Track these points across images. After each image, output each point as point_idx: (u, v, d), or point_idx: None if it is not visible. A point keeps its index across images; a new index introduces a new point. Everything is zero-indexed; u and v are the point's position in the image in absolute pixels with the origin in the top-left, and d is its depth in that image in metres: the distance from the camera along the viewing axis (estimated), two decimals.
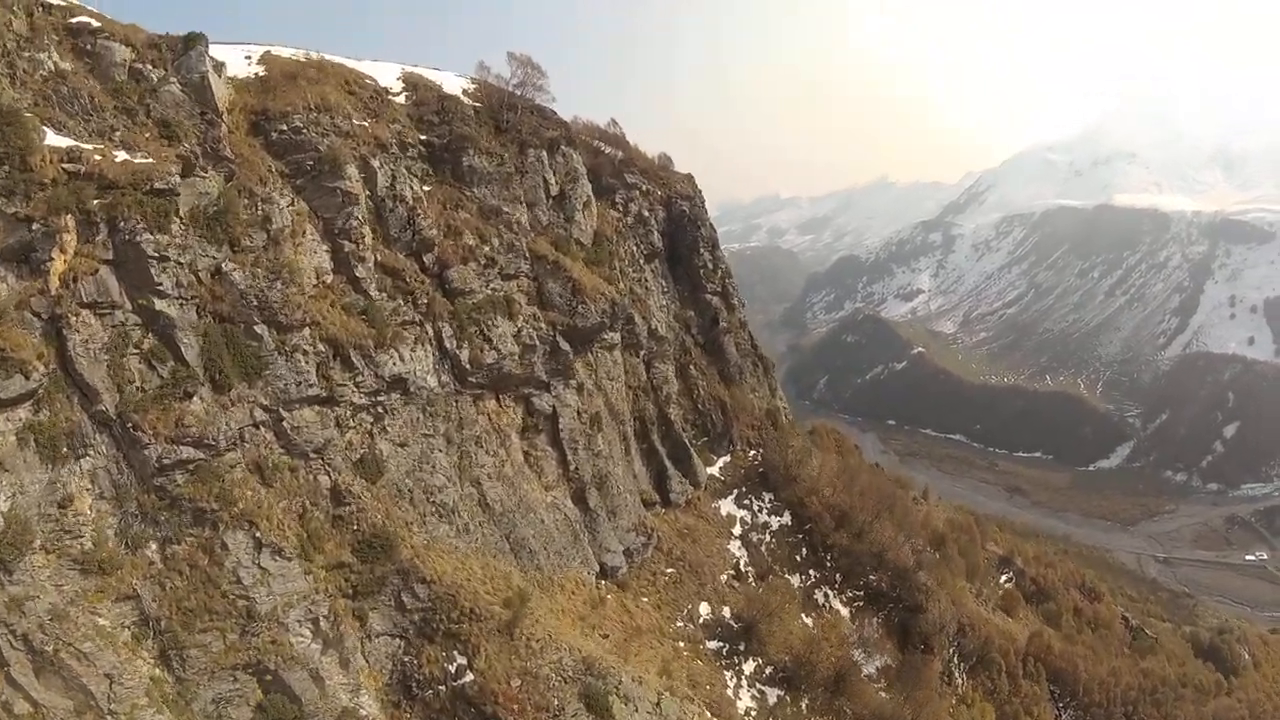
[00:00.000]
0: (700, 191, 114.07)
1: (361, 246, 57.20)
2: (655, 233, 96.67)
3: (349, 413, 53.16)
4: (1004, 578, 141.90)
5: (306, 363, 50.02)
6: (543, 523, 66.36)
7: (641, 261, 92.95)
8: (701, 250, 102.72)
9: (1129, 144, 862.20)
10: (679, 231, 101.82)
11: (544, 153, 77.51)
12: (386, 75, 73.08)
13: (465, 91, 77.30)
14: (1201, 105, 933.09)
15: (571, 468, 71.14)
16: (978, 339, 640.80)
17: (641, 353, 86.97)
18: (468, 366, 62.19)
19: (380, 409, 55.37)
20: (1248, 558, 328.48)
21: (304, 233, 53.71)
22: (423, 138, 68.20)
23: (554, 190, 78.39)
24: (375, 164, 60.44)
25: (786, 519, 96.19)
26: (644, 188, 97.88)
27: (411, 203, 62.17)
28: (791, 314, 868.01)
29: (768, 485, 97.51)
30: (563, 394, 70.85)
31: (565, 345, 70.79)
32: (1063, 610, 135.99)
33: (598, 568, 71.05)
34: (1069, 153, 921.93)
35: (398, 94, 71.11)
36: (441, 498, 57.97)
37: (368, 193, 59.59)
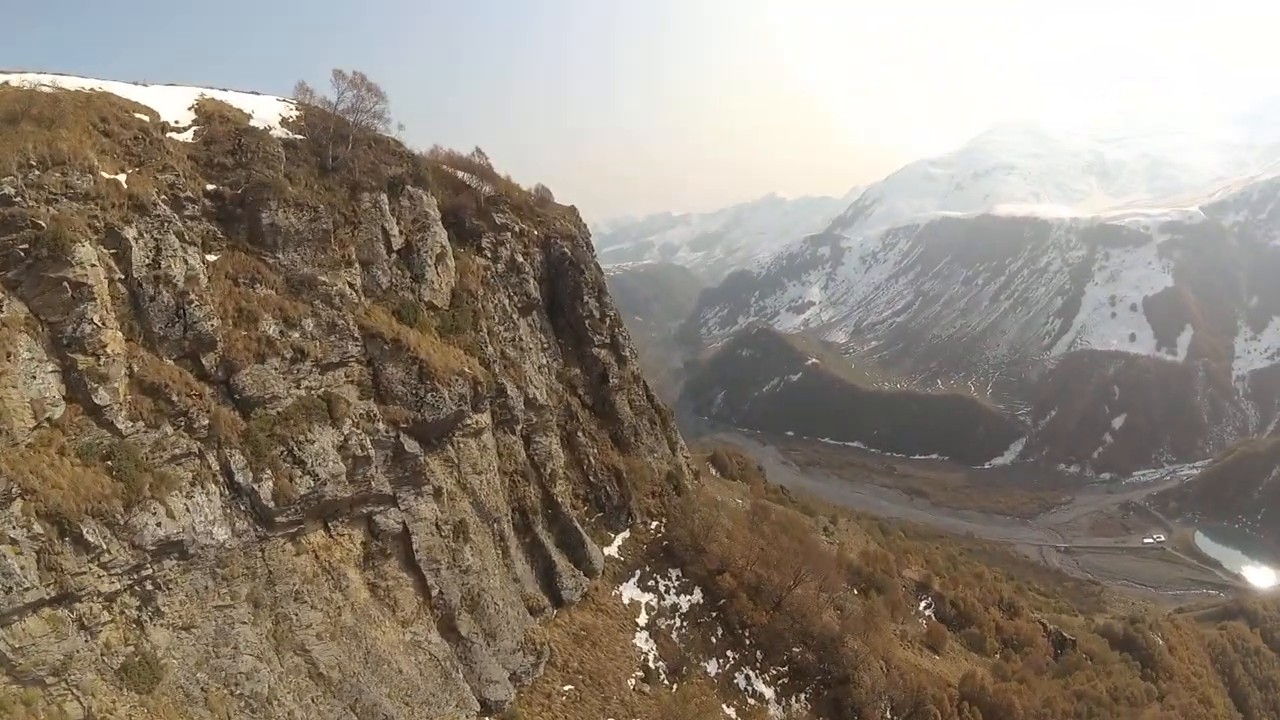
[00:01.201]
0: (584, 228, 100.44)
1: (104, 360, 39.63)
2: (531, 280, 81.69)
3: (99, 606, 36.23)
4: (923, 604, 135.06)
5: (16, 557, 32.67)
6: (401, 672, 50.20)
7: (515, 316, 77.58)
8: (586, 297, 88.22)
9: (1008, 157, 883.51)
10: (559, 277, 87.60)
11: (383, 196, 61.53)
12: (173, 104, 56.19)
13: (285, 121, 61.31)
14: (1076, 118, 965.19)
15: (435, 593, 55.27)
16: (869, 348, 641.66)
17: (518, 428, 71.77)
18: (271, 504, 45.20)
19: (148, 587, 38.71)
20: (1146, 540, 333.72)
21: (14, 351, 36.24)
22: (209, 188, 51.28)
23: (397, 243, 62.35)
24: (130, 234, 43.41)
25: (697, 596, 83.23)
26: (517, 228, 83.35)
27: (182, 284, 45.01)
28: (687, 330, 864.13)
29: (674, 560, 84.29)
30: (415, 505, 54.74)
31: (413, 446, 54.99)
32: (986, 634, 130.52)
33: (479, 706, 55.28)
34: (950, 167, 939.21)
35: (183, 129, 54.23)
36: (252, 686, 41.74)
37: (121, 276, 42.92)
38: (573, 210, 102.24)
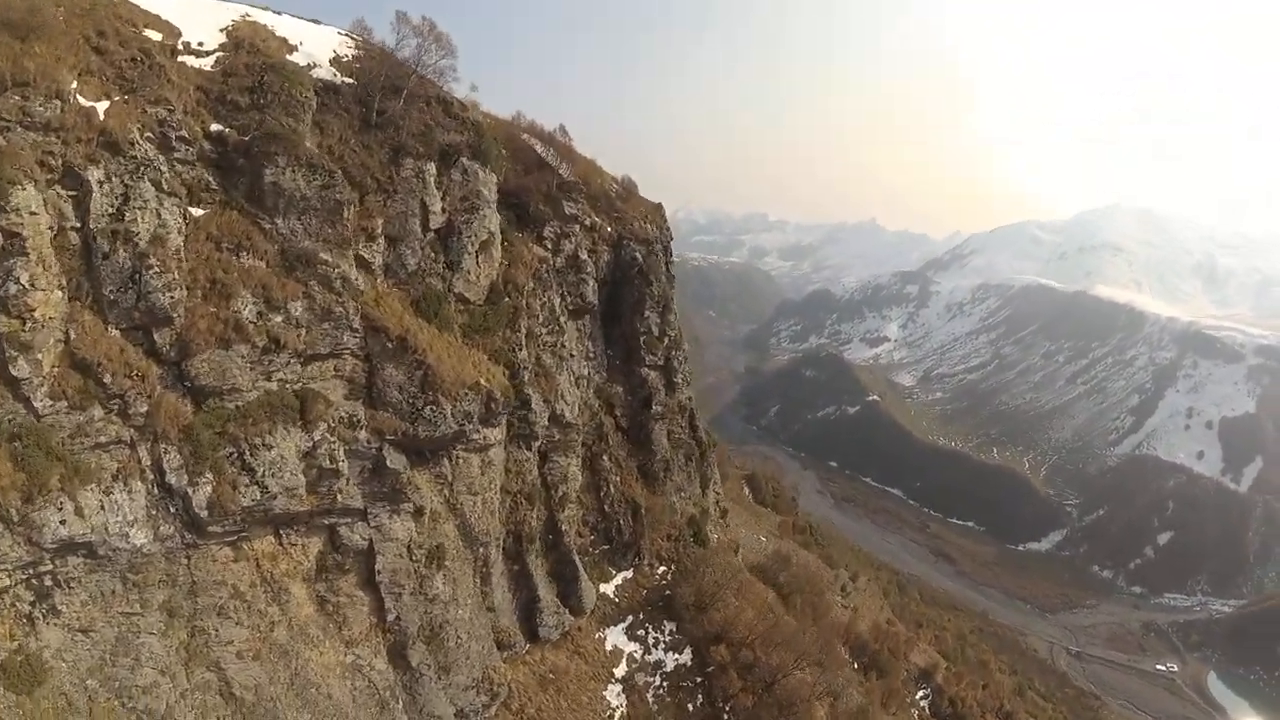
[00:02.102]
0: (667, 230, 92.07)
1: (30, 325, 32.46)
2: (591, 282, 73.37)
3: None
4: (921, 694, 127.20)
5: None
6: (330, 698, 42.69)
7: (564, 318, 69.27)
8: (648, 311, 79.60)
9: (1117, 238, 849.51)
10: (624, 283, 79.19)
11: (430, 165, 53.27)
12: (205, 21, 48.44)
13: (337, 60, 53.63)
14: (1192, 213, 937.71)
15: (391, 617, 47.64)
16: (933, 397, 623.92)
17: (536, 444, 63.70)
18: (204, 513, 37.75)
19: (46, 582, 32.65)
20: (1159, 667, 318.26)
21: None
22: (214, 129, 43.42)
23: (436, 221, 54.06)
24: (94, 176, 35.72)
25: (686, 657, 74.87)
26: (589, 221, 74.94)
27: (145, 244, 37.08)
28: (757, 336, 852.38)
29: (672, 613, 75.73)
30: (387, 524, 46.87)
31: (397, 461, 47.21)
32: None
33: None
34: (1057, 234, 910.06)
35: (205, 53, 46.44)
36: (148, 700, 35.40)
37: (76, 225, 35.66)
38: (658, 210, 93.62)
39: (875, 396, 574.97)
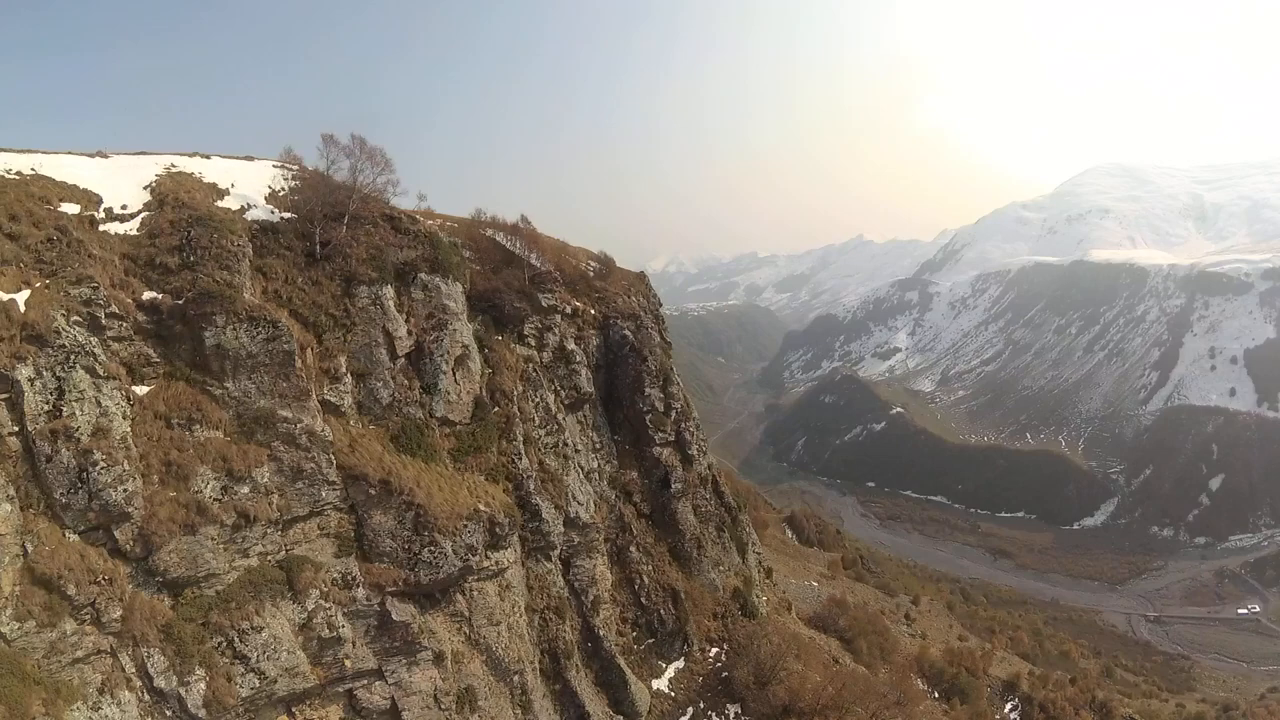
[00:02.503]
0: (654, 298, 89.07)
1: None
2: (583, 371, 69.90)
3: None
4: (1010, 707, 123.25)
5: None
6: None
7: (562, 415, 65.91)
8: (648, 389, 75.75)
9: (1102, 200, 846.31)
10: (618, 364, 75.66)
11: (386, 289, 50.44)
12: (129, 181, 45.98)
13: (273, 195, 51.08)
14: (1171, 158, 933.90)
15: None
16: (956, 397, 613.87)
17: (555, 553, 59.95)
18: (202, 713, 34.27)
19: None
20: (1240, 611, 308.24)
21: None
22: (146, 297, 40.55)
23: (404, 346, 50.91)
24: (23, 374, 32.95)
25: None
26: (569, 309, 71.69)
27: (86, 438, 33.98)
28: (769, 373, 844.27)
29: (732, 695, 70.67)
30: (406, 678, 42.98)
31: (404, 613, 43.49)
32: None
33: None
34: (1042, 210, 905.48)
35: (128, 216, 43.75)
36: None
37: (12, 430, 32.61)
38: (640, 279, 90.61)
39: (899, 409, 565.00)
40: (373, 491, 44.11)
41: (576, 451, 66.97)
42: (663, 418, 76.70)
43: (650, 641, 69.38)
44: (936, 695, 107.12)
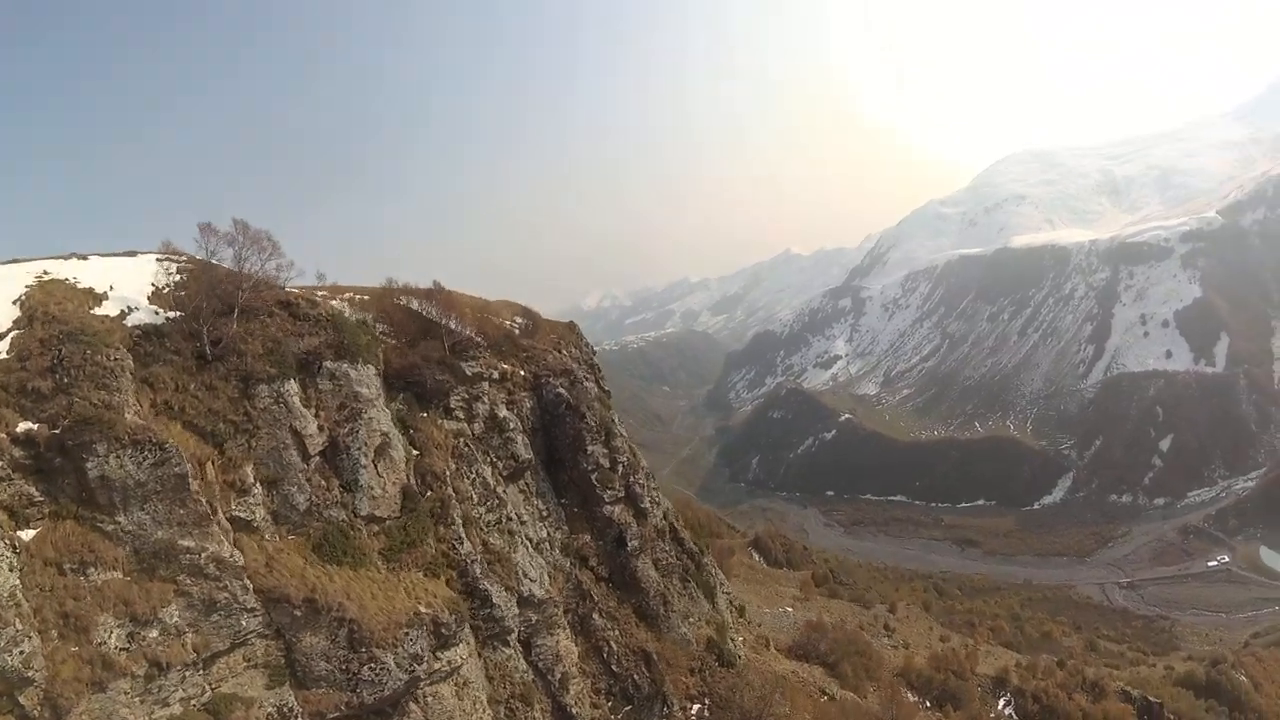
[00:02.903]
0: (586, 348, 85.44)
1: None
2: (520, 437, 65.77)
3: None
4: (1003, 703, 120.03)
5: None
6: None
7: (501, 488, 61.56)
8: (590, 446, 71.26)
9: (1017, 187, 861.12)
10: (556, 424, 71.45)
11: (289, 384, 46.11)
12: None
13: (158, 293, 46.62)
14: (1081, 138, 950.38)
15: None
16: (901, 396, 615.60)
17: (513, 636, 55.70)
18: None
19: None
20: (1210, 564, 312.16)
21: None
22: (21, 429, 35.96)
23: (316, 444, 46.53)
24: None
25: None
26: (496, 374, 67.39)
27: None
28: (715, 395, 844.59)
29: None
30: None
31: None
32: None
33: None
34: (960, 204, 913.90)
35: None
36: None
37: None
38: (570, 330, 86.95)
39: (847, 415, 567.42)
40: (298, 613, 39.80)
41: (523, 524, 62.97)
42: (609, 474, 72.72)
43: (628, 709, 65.02)
44: (928, 704, 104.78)
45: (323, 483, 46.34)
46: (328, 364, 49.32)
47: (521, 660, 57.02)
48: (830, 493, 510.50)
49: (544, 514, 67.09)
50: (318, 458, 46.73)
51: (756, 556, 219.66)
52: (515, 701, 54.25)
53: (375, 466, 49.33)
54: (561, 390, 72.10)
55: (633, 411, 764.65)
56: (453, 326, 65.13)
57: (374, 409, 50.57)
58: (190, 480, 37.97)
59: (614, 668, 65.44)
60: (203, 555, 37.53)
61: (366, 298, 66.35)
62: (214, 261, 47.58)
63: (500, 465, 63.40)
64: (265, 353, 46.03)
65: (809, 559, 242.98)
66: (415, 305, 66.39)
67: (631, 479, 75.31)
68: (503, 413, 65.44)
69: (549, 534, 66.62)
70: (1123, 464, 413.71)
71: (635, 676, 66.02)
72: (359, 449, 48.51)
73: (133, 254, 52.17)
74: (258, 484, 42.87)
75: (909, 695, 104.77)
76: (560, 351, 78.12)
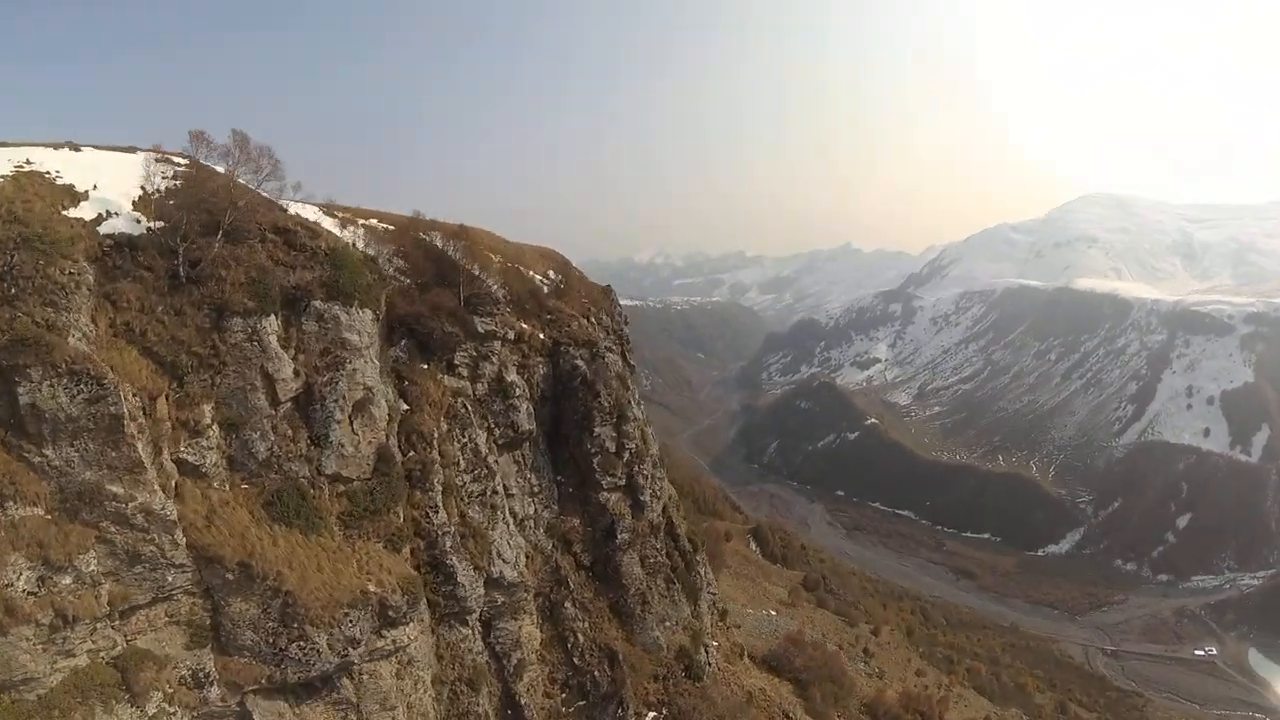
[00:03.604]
0: (618, 316, 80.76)
1: None
2: (524, 406, 61.14)
3: None
4: None
5: None
6: None
7: (493, 457, 57.32)
8: (598, 428, 66.68)
9: (1091, 229, 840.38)
10: (567, 396, 66.78)
11: (268, 320, 41.31)
12: None
13: (143, 198, 41.64)
14: (1162, 194, 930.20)
15: None
16: (931, 413, 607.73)
17: (471, 618, 51.85)
18: None
19: None
20: (1197, 652, 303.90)
21: None
22: None
23: (289, 389, 41.88)
24: None
25: None
26: (512, 334, 62.70)
27: None
28: (748, 373, 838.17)
29: None
30: None
31: (268, 712, 35.54)
32: None
33: None
34: (1031, 233, 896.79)
35: None
36: None
37: None
38: (605, 295, 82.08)
39: (873, 420, 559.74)
40: (230, 576, 35.93)
41: (510, 496, 59.01)
42: (613, 459, 68.29)
43: (581, 704, 61.31)
44: None
45: (289, 432, 41.99)
46: (316, 303, 44.42)
47: (479, 641, 53.48)
48: (840, 493, 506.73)
49: (535, 490, 63.03)
50: (289, 404, 42.33)
51: (754, 546, 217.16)
52: (461, 685, 50.62)
53: (351, 423, 44.91)
54: (580, 362, 67.61)
55: (664, 373, 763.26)
56: (475, 273, 60.91)
57: (361, 359, 45.86)
58: (126, 423, 33.66)
59: (576, 660, 61.81)
60: (130, 505, 33.42)
61: (391, 228, 61.93)
62: (217, 169, 43.16)
63: (498, 433, 59.15)
64: (247, 282, 41.27)
65: (804, 559, 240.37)
66: (439, 243, 61.89)
67: (636, 468, 70.84)
68: (511, 377, 60.95)
69: (536, 511, 62.67)
70: (1136, 531, 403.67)
71: (596, 673, 62.33)
72: (335, 401, 43.98)
73: (132, 150, 47.20)
74: (215, 426, 38.78)
75: None
76: (588, 319, 73.57)
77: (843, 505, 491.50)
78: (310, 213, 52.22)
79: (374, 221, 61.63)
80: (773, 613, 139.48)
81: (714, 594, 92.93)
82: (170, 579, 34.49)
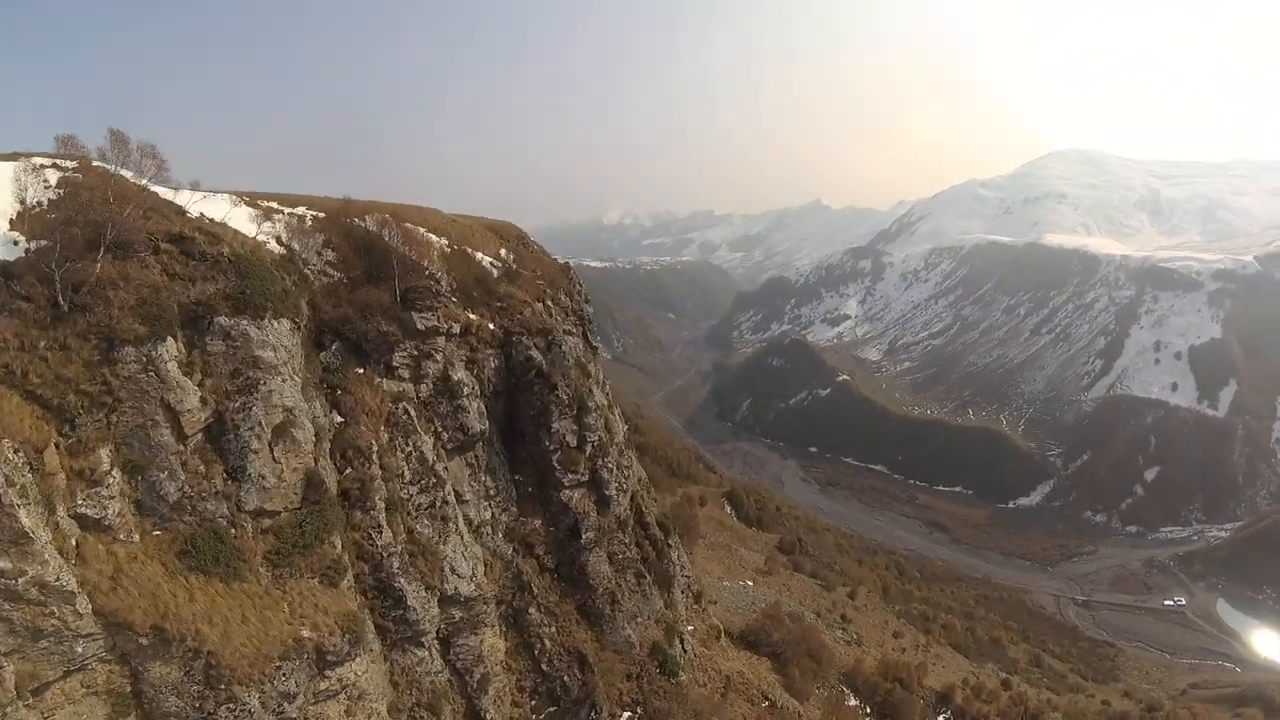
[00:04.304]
0: (577, 295, 76.49)
1: None
2: (474, 404, 56.39)
3: None
4: (941, 718, 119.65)
5: None
6: None
7: (443, 464, 52.75)
8: (555, 423, 61.86)
9: (1060, 185, 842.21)
10: (522, 390, 61.90)
11: (165, 345, 35.90)
12: None
13: (23, 217, 36.00)
14: (1134, 149, 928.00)
15: None
16: (902, 368, 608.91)
17: (426, 638, 47.75)
18: None
19: None
20: (1166, 602, 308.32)
21: None
22: None
23: (197, 419, 36.72)
24: None
25: None
26: (456, 327, 57.04)
27: None
28: (718, 331, 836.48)
29: None
30: None
31: None
32: None
33: None
34: (1000, 189, 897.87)
35: None
36: None
37: None
38: (564, 272, 77.93)
39: (845, 376, 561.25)
40: (144, 641, 31.66)
41: (463, 503, 54.85)
42: (574, 455, 63.66)
43: (552, 710, 58.05)
44: (869, 711, 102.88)
45: (201, 469, 37.09)
46: (221, 320, 39.07)
47: (437, 660, 49.77)
48: (813, 449, 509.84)
49: (491, 492, 58.72)
50: (199, 436, 37.44)
51: (729, 509, 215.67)
52: (421, 711, 46.86)
53: (271, 450, 39.94)
54: (534, 353, 62.60)
55: (635, 334, 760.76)
56: (415, 260, 55.73)
57: (278, 378, 40.68)
58: (3, 491, 28.68)
59: (544, 666, 58.44)
60: (20, 580, 28.75)
61: (322, 215, 56.37)
62: (125, 174, 37.85)
63: (446, 436, 54.56)
64: (137, 304, 35.84)
65: (780, 520, 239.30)
66: (373, 227, 56.36)
67: (599, 462, 66.27)
68: (457, 375, 55.98)
69: (494, 515, 58.46)
70: (1105, 483, 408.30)
71: (566, 678, 59.01)
72: (250, 429, 38.93)
73: (14, 157, 40.49)
74: (115, 471, 33.90)
75: (852, 700, 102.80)
76: (544, 302, 68.89)
77: (816, 461, 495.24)
78: (221, 208, 46.61)
79: (302, 210, 56.21)
80: (749, 583, 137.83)
81: (688, 576, 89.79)
82: (80, 650, 30.37)
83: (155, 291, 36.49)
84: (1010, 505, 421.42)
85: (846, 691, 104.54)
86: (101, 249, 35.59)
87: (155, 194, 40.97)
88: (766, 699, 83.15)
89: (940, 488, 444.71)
